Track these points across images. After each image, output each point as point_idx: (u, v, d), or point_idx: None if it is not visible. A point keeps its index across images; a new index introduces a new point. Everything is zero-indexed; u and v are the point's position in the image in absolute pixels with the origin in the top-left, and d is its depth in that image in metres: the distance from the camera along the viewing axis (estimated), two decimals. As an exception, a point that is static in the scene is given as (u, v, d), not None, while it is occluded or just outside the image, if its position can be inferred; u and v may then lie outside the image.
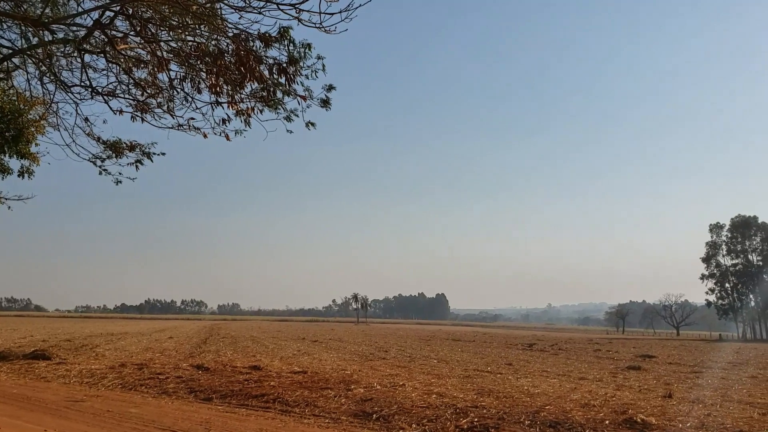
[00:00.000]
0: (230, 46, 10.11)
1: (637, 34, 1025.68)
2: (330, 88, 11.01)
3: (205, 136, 12.15)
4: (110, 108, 12.52)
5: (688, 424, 9.23)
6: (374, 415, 9.54)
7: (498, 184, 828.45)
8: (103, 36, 11.01)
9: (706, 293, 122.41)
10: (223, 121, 11.71)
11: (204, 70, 10.84)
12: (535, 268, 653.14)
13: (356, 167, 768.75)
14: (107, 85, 12.46)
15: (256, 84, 10.67)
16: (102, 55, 11.66)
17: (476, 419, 9.28)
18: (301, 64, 10.38)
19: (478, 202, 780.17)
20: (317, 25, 8.60)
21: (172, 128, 12.39)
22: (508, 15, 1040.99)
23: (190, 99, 11.73)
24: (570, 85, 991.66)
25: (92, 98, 12.53)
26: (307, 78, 10.68)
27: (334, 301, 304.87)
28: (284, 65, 10.29)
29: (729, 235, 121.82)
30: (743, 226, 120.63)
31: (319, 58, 10.45)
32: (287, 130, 11.58)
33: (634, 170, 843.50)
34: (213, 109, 11.63)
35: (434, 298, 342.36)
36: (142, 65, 11.84)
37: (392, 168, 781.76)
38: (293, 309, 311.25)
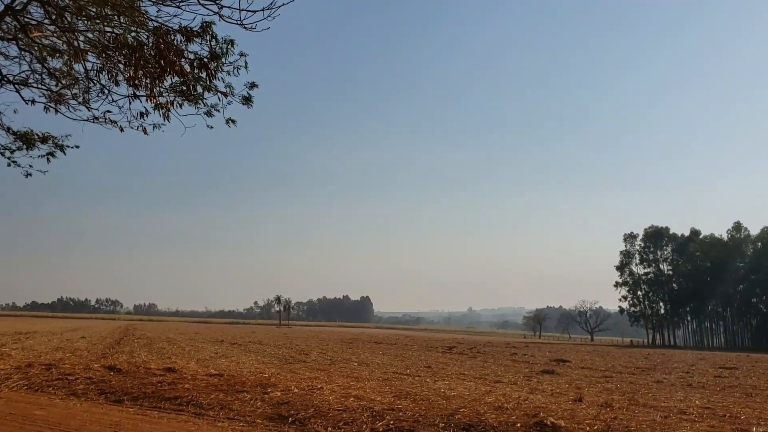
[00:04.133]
0: (150, 39, 9.87)
1: (565, 45, 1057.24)
2: (252, 85, 10.88)
3: (121, 129, 11.79)
4: (22, 97, 11.98)
5: (595, 428, 9.53)
6: (290, 419, 9.48)
7: (422, 189, 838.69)
8: (15, 22, 10.56)
9: (620, 300, 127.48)
10: (141, 114, 11.39)
11: (122, 62, 10.53)
12: (457, 273, 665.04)
13: (279, 166, 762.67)
14: (19, 73, 11.91)
15: (176, 78, 10.46)
16: (14, 42, 11.16)
17: (392, 422, 9.33)
18: (223, 60, 10.23)
19: (402, 205, 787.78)
20: (238, 22, 8.50)
21: (87, 120, 11.96)
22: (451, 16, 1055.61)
23: (106, 91, 11.34)
24: (498, 95, 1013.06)
25: (2, 87, 11.95)
26: (229, 74, 10.55)
27: (255, 303, 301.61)
28: (205, 60, 10.12)
29: (642, 245, 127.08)
30: (655, 236, 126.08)
31: (242, 54, 10.33)
32: (207, 126, 11.38)
33: (555, 179, 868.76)
34: (130, 102, 11.27)
35: (359, 300, 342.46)
36: (57, 55, 11.40)
37: (316, 169, 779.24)
38: (213, 311, 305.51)
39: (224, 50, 10.11)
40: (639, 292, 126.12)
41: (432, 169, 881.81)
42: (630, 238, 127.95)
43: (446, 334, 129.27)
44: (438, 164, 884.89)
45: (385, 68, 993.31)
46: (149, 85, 10.63)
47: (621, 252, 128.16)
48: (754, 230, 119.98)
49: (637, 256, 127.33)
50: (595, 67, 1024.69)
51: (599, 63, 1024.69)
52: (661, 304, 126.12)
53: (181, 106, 11.12)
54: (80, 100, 11.93)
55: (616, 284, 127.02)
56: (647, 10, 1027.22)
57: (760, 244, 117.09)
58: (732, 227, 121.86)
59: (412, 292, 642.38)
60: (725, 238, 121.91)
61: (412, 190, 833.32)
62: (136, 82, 10.48)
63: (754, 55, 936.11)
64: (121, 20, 9.75)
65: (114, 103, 11.57)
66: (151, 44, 9.96)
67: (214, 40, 9.93)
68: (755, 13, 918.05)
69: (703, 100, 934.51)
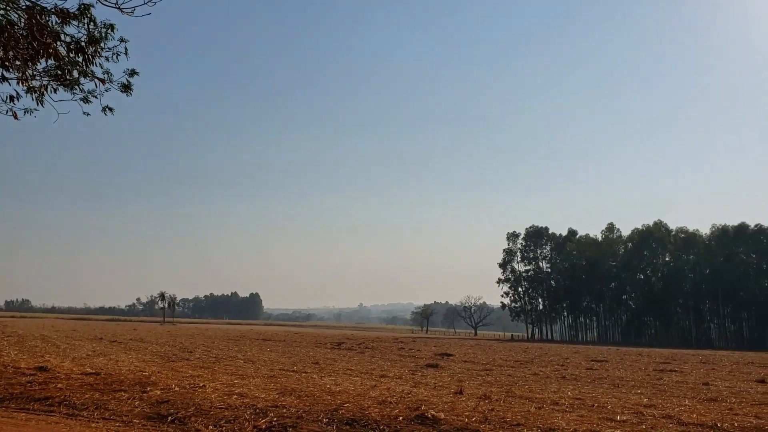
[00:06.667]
0: (22, 19, 9.30)
1: (449, 44, 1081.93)
2: (133, 73, 10.49)
3: (-11, 113, 11.06)
4: None
5: (474, 419, 9.85)
6: (170, 417, 9.26)
7: (312, 186, 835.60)
8: None
9: (502, 296, 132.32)
10: (12, 98, 10.68)
11: (-10, 41, 9.88)
12: (348, 269, 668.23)
13: (167, 162, 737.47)
14: None
15: (51, 61, 9.91)
16: None
17: (275, 419, 9.28)
18: (102, 45, 9.80)
19: (293, 202, 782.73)
20: (115, 5, 8.19)
21: (-49, 102, 11.14)
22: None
23: (-28, 72, 10.61)
24: (385, 87, 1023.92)
25: None
26: (108, 60, 10.13)
27: (138, 299, 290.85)
28: (83, 44, 9.66)
29: (524, 243, 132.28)
30: (536, 235, 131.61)
31: (122, 40, 9.93)
32: (84, 112, 10.85)
33: (443, 178, 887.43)
34: (-1, 84, 10.60)
35: (248, 297, 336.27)
36: None
37: (206, 166, 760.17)
38: (92, 307, 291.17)
39: (103, 34, 9.67)
40: (520, 289, 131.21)
41: (322, 166, 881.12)
42: (513, 237, 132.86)
43: (336, 330, 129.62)
44: (328, 161, 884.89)
45: (280, 66, 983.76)
46: (21, 68, 10.01)
47: (504, 250, 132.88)
48: (626, 231, 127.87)
49: (518, 254, 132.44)
50: (476, 66, 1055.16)
51: (482, 62, 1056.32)
52: (540, 300, 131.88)
53: (55, 90, 10.55)
54: (-57, 81, 11.08)
55: (499, 281, 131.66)
56: (542, 14, 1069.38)
57: (630, 244, 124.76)
58: (605, 228, 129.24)
59: (303, 288, 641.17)
60: (599, 238, 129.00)
61: (302, 188, 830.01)
62: (6, 63, 9.85)
63: (640, 54, 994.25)
64: (-10, -3, 9.14)
65: (-20, 86, 10.82)
66: (23, 24, 9.38)
67: (92, 23, 9.49)
68: (648, 16, 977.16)
69: (582, 101, 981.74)
